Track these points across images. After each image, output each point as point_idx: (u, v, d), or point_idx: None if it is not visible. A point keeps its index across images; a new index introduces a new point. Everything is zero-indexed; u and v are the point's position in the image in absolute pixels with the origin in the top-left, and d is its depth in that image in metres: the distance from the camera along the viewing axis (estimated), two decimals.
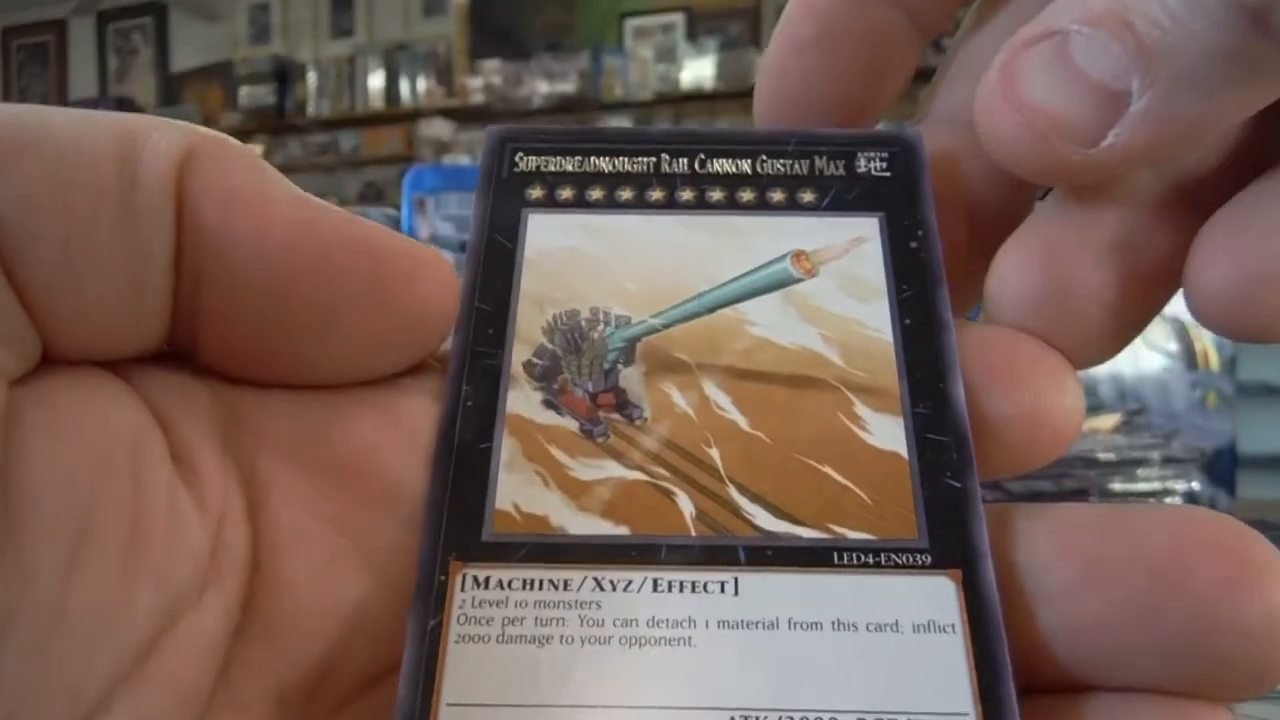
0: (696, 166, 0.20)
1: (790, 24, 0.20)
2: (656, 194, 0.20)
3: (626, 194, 0.20)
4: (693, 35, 3.39)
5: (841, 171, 0.20)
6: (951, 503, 0.16)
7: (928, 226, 0.19)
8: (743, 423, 0.17)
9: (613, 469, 0.17)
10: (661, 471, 0.17)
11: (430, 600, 0.15)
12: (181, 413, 0.15)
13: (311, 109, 3.72)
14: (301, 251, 0.15)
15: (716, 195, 0.19)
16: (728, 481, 0.17)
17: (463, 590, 0.16)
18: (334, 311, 0.15)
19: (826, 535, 0.16)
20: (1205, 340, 0.59)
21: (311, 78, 3.71)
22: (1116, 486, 0.38)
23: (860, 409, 0.17)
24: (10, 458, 0.13)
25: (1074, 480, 0.38)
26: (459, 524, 0.16)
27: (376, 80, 3.66)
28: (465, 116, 3.53)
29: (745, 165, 0.20)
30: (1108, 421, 0.47)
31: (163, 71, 4.02)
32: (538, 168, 0.20)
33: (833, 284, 0.19)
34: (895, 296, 0.18)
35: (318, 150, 3.70)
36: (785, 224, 0.19)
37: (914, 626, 0.15)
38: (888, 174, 0.19)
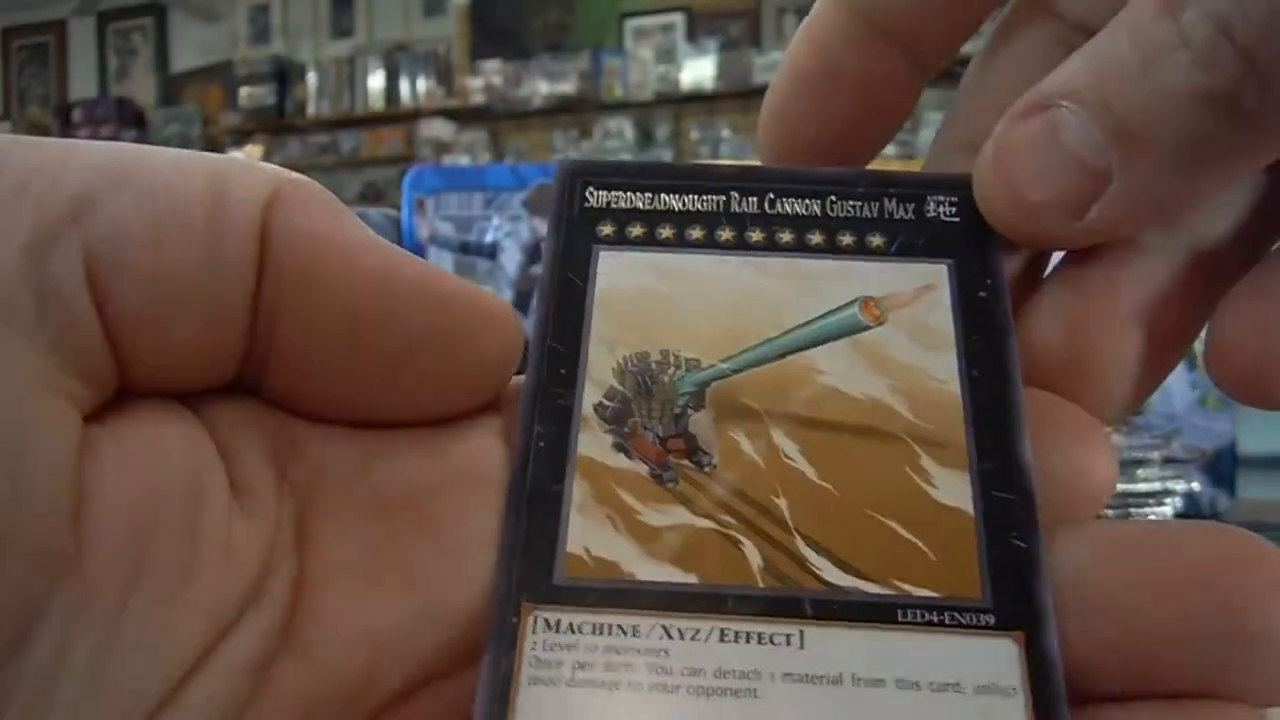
0: (766, 206, 0.20)
1: (790, 61, 0.21)
2: (726, 234, 0.20)
3: (696, 233, 0.20)
4: (693, 36, 3.39)
5: (911, 215, 0.19)
6: (1016, 563, 0.16)
7: (997, 275, 0.19)
8: (810, 473, 0.17)
9: (682, 516, 0.17)
10: (730, 520, 0.17)
11: (503, 641, 0.16)
12: (243, 443, 0.16)
13: (311, 109, 3.72)
14: (379, 297, 0.16)
15: (786, 237, 0.20)
16: (795, 533, 0.17)
17: (534, 633, 0.16)
18: (404, 356, 0.16)
19: (891, 591, 0.16)
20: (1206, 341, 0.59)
21: (311, 78, 3.71)
22: (1117, 487, 0.38)
23: (926, 463, 0.17)
24: (82, 491, 0.14)
25: None
26: (531, 566, 0.16)
27: (376, 81, 3.66)
28: (465, 117, 3.53)
29: (814, 206, 0.20)
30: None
31: (163, 72, 4.02)
32: (608, 204, 0.20)
33: (901, 332, 0.19)
34: (963, 347, 0.18)
35: (318, 150, 3.70)
36: (854, 269, 0.19)
37: (976, 688, 0.15)
38: (957, 219, 0.19)
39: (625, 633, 0.16)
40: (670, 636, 0.16)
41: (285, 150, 3.71)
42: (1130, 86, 0.16)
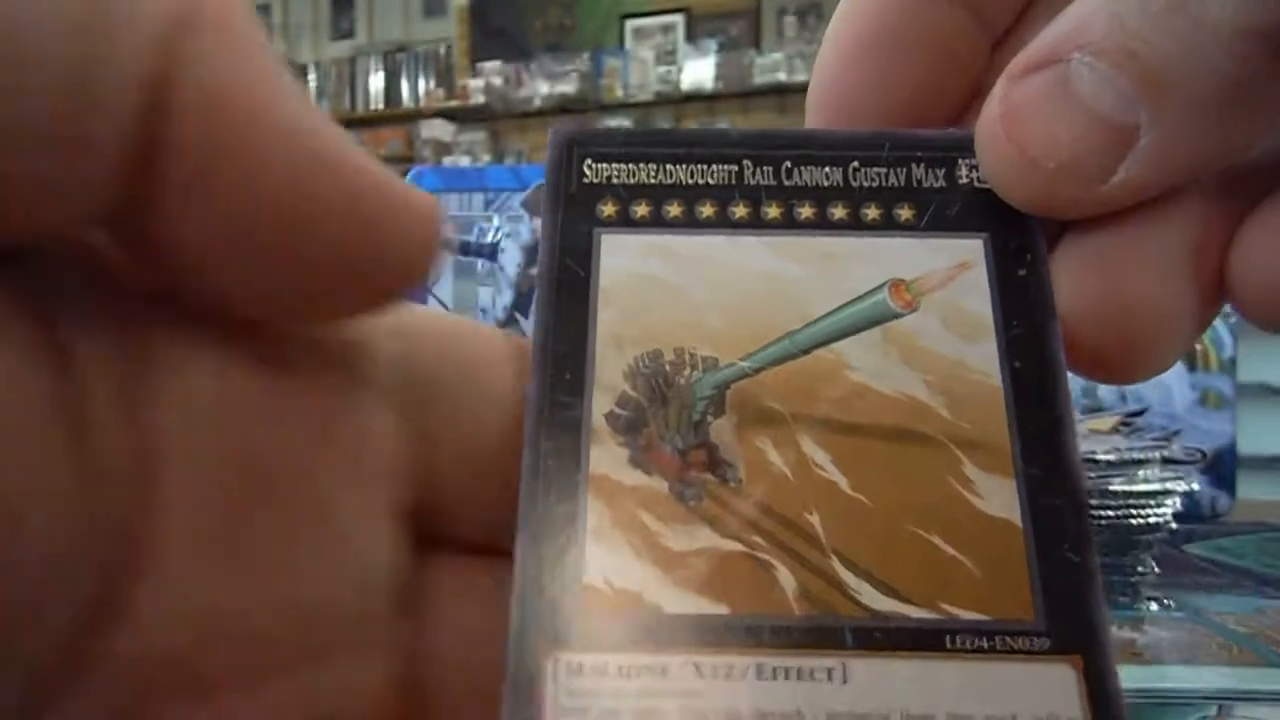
0: (783, 176, 0.18)
1: (843, 27, 0.18)
2: (740, 210, 0.18)
3: (707, 210, 0.18)
4: (693, 36, 3.39)
5: (941, 182, 0.18)
6: (1070, 579, 0.15)
7: (1036, 249, 0.17)
8: (843, 484, 0.16)
9: (707, 537, 0.16)
10: (759, 541, 0.16)
11: (521, 690, 0.15)
12: (93, 362, 0.13)
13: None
14: (284, 168, 0.13)
15: (806, 212, 0.18)
16: (830, 553, 0.15)
17: (555, 680, 0.15)
18: (302, 226, 0.13)
19: (937, 615, 0.15)
20: (1205, 341, 0.59)
21: (311, 79, 3.71)
22: (1116, 487, 0.38)
23: (969, 469, 0.16)
24: None
25: None
26: (548, 602, 0.15)
27: (377, 81, 3.66)
28: (465, 117, 3.53)
29: (836, 175, 0.18)
30: (1108, 422, 0.47)
31: None
32: (609, 178, 0.18)
33: (935, 319, 0.17)
34: (1004, 334, 0.17)
35: None
36: (881, 247, 0.17)
37: (1034, 718, 0.14)
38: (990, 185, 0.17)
39: (654, 674, 0.15)
40: (703, 676, 0.15)
41: None
42: (1158, 29, 0.14)
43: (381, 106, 3.66)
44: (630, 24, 3.47)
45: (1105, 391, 0.59)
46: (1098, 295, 0.16)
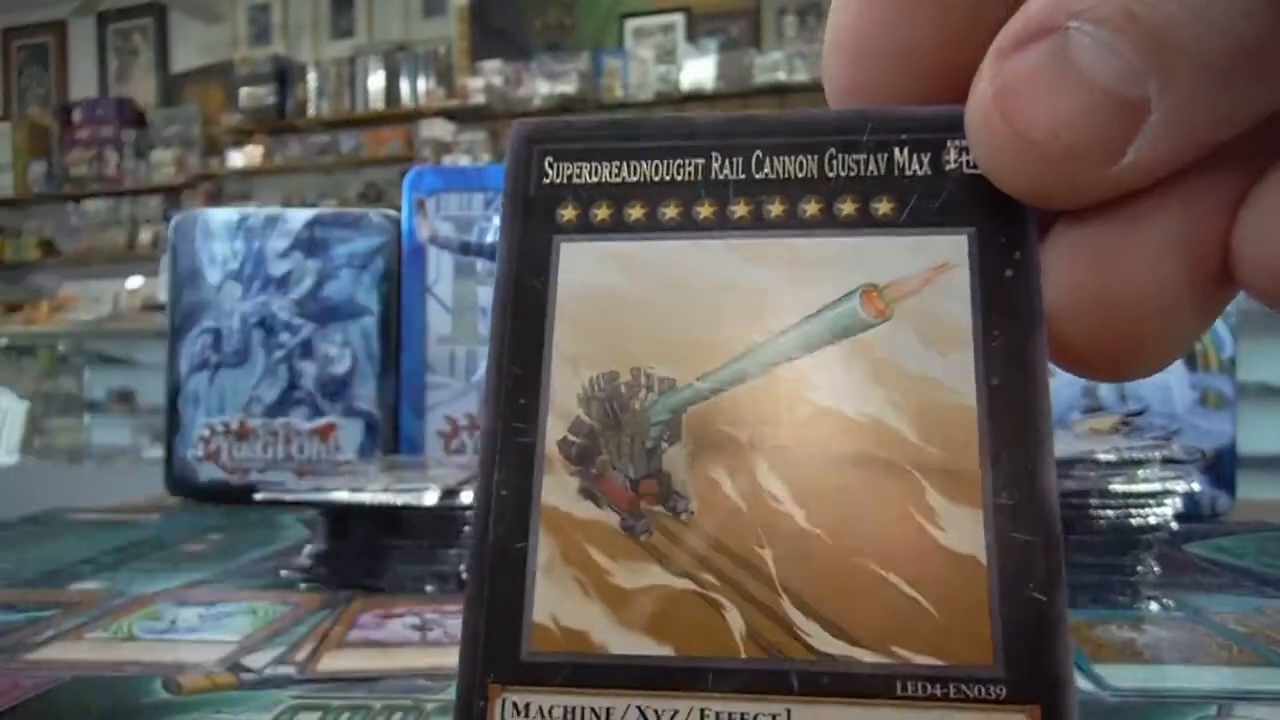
0: (753, 169, 0.17)
1: None
2: (705, 210, 0.17)
3: (671, 211, 0.17)
4: (693, 36, 3.38)
5: (926, 169, 0.16)
6: (1034, 622, 0.14)
7: (1027, 245, 0.16)
8: (799, 517, 0.15)
9: (656, 575, 0.15)
10: (709, 579, 0.15)
11: None
12: None
13: (312, 110, 3.71)
14: None
15: (775, 210, 0.16)
16: (781, 591, 0.15)
17: (502, 718, 0.15)
18: None
19: (889, 659, 0.14)
20: (1205, 340, 0.59)
21: (312, 78, 3.71)
22: (1116, 487, 0.38)
23: (934, 498, 0.15)
24: None
25: (1074, 480, 0.38)
26: (497, 638, 0.15)
27: (377, 81, 3.65)
28: (466, 117, 3.53)
29: (811, 164, 0.16)
30: (1108, 422, 0.47)
31: (163, 72, 4.02)
32: (569, 178, 0.17)
33: (909, 329, 0.16)
34: (982, 345, 0.15)
35: (318, 151, 3.69)
36: (855, 248, 0.16)
37: None
38: (980, 171, 0.16)
39: (599, 717, 0.15)
40: (646, 719, 0.15)
41: (285, 150, 3.70)
42: None
43: (381, 106, 3.66)
44: (630, 24, 3.46)
45: (1105, 391, 0.59)
46: (1089, 285, 0.15)
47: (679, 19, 3.42)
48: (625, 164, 0.17)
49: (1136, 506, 0.37)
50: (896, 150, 0.16)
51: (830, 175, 0.16)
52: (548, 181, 0.17)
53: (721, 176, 0.17)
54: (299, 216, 0.67)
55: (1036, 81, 0.14)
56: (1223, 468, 0.58)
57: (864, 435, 0.15)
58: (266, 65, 3.73)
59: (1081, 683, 0.29)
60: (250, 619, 0.36)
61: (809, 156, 0.17)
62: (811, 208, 0.16)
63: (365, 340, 0.66)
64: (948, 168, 0.16)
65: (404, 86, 3.63)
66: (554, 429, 0.16)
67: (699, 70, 3.28)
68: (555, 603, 0.15)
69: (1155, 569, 0.38)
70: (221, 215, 0.67)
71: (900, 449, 0.15)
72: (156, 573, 0.44)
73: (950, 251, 0.16)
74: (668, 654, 0.15)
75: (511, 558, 0.15)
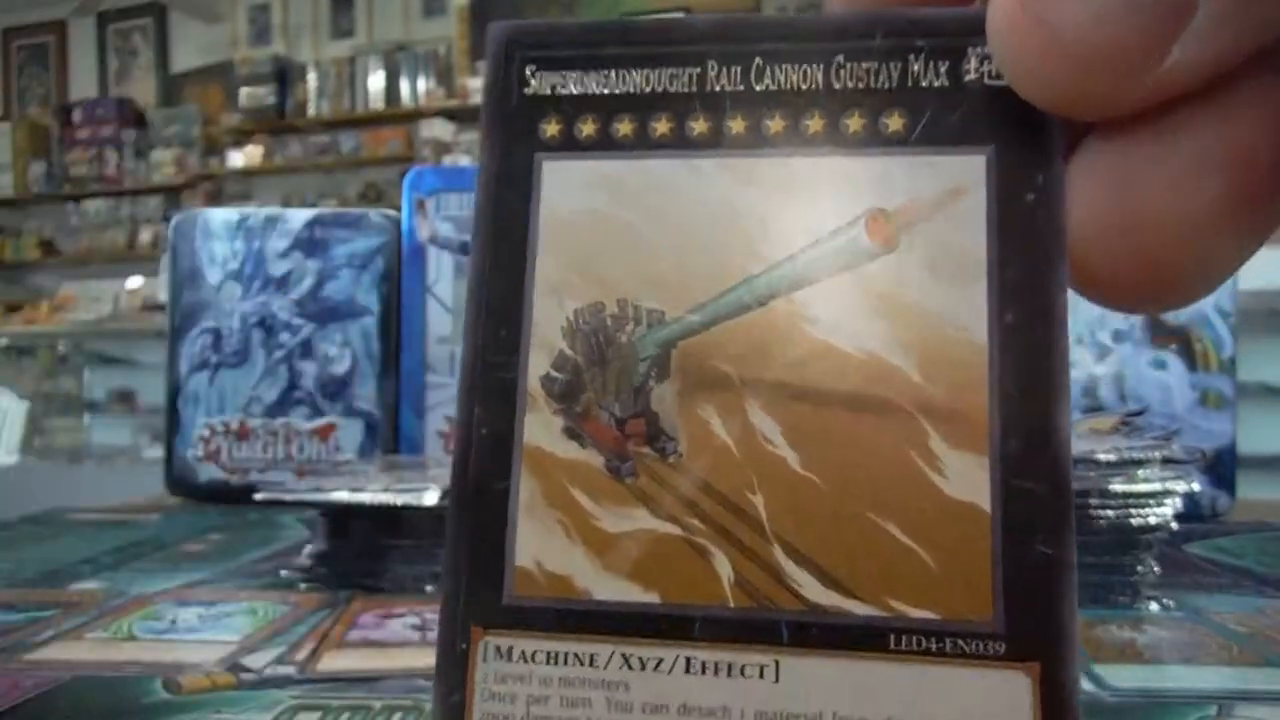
0: (753, 79, 0.15)
1: None
2: (700, 125, 0.15)
3: (662, 126, 0.15)
4: None
5: (943, 80, 0.15)
6: (1038, 575, 0.13)
7: (1051, 168, 0.14)
8: (793, 460, 0.14)
9: (642, 519, 0.14)
10: (697, 524, 0.14)
11: (453, 671, 0.14)
12: None
13: (312, 110, 3.71)
14: None
15: (775, 125, 0.15)
16: (772, 539, 0.14)
17: (485, 661, 0.14)
18: None
19: (883, 612, 0.14)
20: (1205, 340, 0.59)
21: (312, 78, 3.71)
22: (1116, 487, 0.38)
23: (936, 443, 0.14)
24: None
25: (1074, 481, 0.38)
26: (479, 583, 0.15)
27: (377, 81, 3.65)
28: (466, 117, 3.53)
29: (815, 74, 0.15)
30: (1108, 422, 0.47)
31: (163, 72, 4.02)
32: (553, 88, 0.16)
33: (916, 259, 0.14)
34: (997, 277, 0.14)
35: (318, 151, 3.70)
36: (862, 168, 0.15)
37: None
38: (1004, 82, 0.14)
39: (582, 662, 0.14)
40: (630, 667, 0.14)
41: (285, 150, 3.70)
42: None
43: (381, 106, 3.66)
44: None
45: (1105, 391, 0.59)
46: (1121, 207, 0.13)
47: (679, 17, 3.41)
48: (614, 73, 0.16)
49: (1136, 506, 0.37)
50: (911, 58, 0.15)
51: (837, 87, 0.15)
52: (529, 92, 0.16)
53: (718, 88, 0.15)
54: (299, 216, 0.67)
55: None
56: (1223, 468, 0.58)
57: (865, 373, 0.14)
58: (266, 65, 3.73)
59: (1082, 683, 0.29)
60: (250, 619, 0.36)
61: (814, 65, 0.15)
62: (815, 123, 0.15)
63: (365, 340, 0.66)
64: (967, 79, 0.15)
65: (404, 86, 3.63)
66: (536, 364, 0.15)
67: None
68: (538, 546, 0.15)
69: (1155, 569, 0.38)
70: (221, 215, 0.67)
71: (903, 389, 0.14)
72: (156, 573, 0.44)
73: (966, 173, 0.14)
74: (653, 601, 0.14)
75: (492, 498, 0.15)
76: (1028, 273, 0.14)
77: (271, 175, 3.73)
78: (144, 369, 3.40)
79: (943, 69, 0.15)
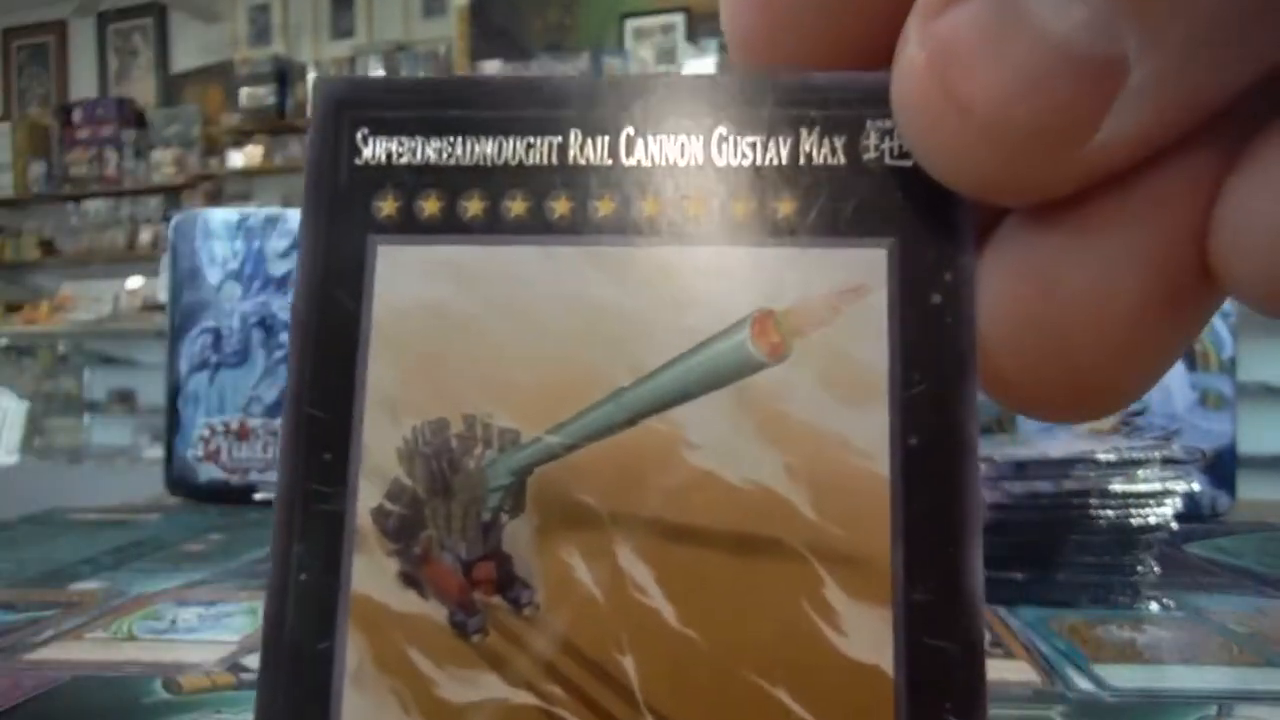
0: (623, 153, 0.13)
1: None
2: (560, 206, 0.13)
3: (518, 206, 0.13)
4: (693, 36, 3.38)
5: (840, 159, 0.13)
6: None
7: (960, 263, 0.12)
8: (669, 614, 0.12)
9: (492, 686, 0.12)
10: (556, 691, 0.12)
11: None
12: None
13: (309, 109, 3.71)
14: None
15: (648, 208, 0.13)
16: (644, 709, 0.12)
17: None
18: None
19: None
20: (1205, 340, 0.59)
21: (311, 78, 3.71)
22: (1116, 487, 0.38)
23: (833, 593, 0.12)
24: None
25: (1074, 480, 0.38)
26: None
27: None
28: None
29: (694, 148, 0.13)
30: (1107, 422, 0.47)
31: (163, 72, 4.02)
32: (389, 157, 0.13)
33: (810, 372, 0.13)
34: (900, 394, 0.12)
35: None
36: (746, 260, 0.13)
37: None
38: (909, 162, 0.12)
39: None
40: None
41: (285, 150, 3.70)
42: None
43: None
44: (630, 24, 3.46)
45: None
46: (1037, 307, 0.12)
47: (679, 19, 3.41)
48: (461, 140, 0.13)
49: (1136, 506, 0.37)
50: (803, 131, 0.13)
51: (719, 164, 0.13)
52: (361, 162, 0.13)
53: (582, 160, 0.13)
54: (299, 217, 0.67)
55: (981, 40, 0.11)
56: (1223, 468, 0.58)
57: (750, 509, 0.12)
58: (266, 65, 3.73)
59: (1082, 683, 0.29)
60: (250, 619, 0.36)
61: (692, 138, 0.13)
62: (693, 207, 0.13)
63: None
64: (865, 157, 0.13)
65: None
66: (367, 494, 0.13)
67: (699, 70, 3.28)
68: None
69: (1155, 569, 0.38)
70: (221, 215, 0.67)
71: (794, 527, 0.12)
72: (156, 573, 0.44)
73: (865, 269, 0.13)
74: None
75: (313, 662, 0.12)
76: (934, 388, 0.12)
77: (271, 175, 3.73)
78: (144, 369, 3.40)
79: (838, 145, 0.13)
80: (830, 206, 0.13)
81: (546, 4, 3.54)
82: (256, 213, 0.68)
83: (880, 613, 0.12)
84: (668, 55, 3.36)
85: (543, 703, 0.12)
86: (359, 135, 0.13)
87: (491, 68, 3.46)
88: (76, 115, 3.95)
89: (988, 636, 0.33)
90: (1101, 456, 0.38)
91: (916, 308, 0.13)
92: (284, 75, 3.73)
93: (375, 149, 0.13)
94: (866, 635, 0.12)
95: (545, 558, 0.13)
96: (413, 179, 0.13)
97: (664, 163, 0.13)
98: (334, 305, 0.13)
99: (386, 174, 0.13)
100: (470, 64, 3.53)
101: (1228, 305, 0.59)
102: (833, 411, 0.13)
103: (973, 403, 0.12)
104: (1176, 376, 0.60)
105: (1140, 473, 0.38)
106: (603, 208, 0.13)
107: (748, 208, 0.13)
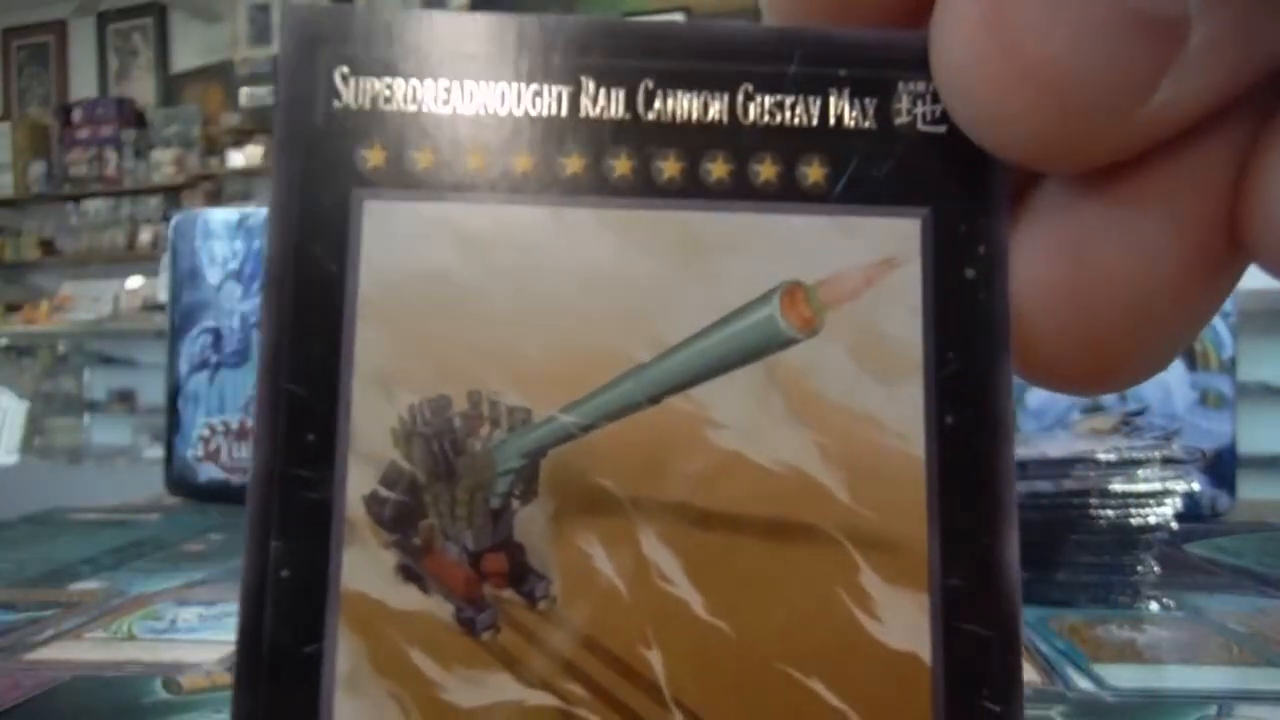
0: (640, 106, 0.12)
1: None
2: (572, 162, 0.12)
3: (523, 160, 0.12)
4: None
5: (870, 121, 0.12)
6: None
7: (994, 235, 0.12)
8: (697, 604, 0.11)
9: (506, 686, 0.11)
10: (576, 690, 0.11)
11: None
12: None
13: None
14: None
15: (669, 168, 0.12)
16: (671, 705, 0.11)
17: None
18: None
19: None
20: (1205, 340, 0.59)
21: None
22: (1116, 487, 0.38)
23: (868, 578, 0.12)
24: None
25: (1074, 480, 0.38)
26: None
27: None
28: None
29: (718, 105, 0.12)
30: (1108, 421, 0.47)
31: (163, 72, 4.02)
32: (375, 101, 0.12)
33: (841, 348, 0.12)
34: (934, 371, 0.12)
35: None
36: (774, 229, 0.12)
37: None
38: (942, 128, 0.12)
39: None
40: None
41: None
42: None
43: None
44: None
45: None
46: (1069, 279, 0.12)
47: (679, 19, 3.42)
48: (458, 84, 0.12)
49: (1136, 506, 0.37)
50: (832, 92, 0.12)
51: (745, 123, 0.12)
52: (340, 105, 0.12)
53: (595, 112, 0.12)
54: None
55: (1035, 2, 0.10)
56: (1223, 468, 0.58)
57: (781, 492, 0.12)
58: (266, 65, 3.73)
59: (1082, 683, 0.29)
60: None
61: (716, 94, 0.12)
62: (718, 168, 0.12)
63: None
64: (897, 121, 0.12)
65: None
66: (358, 480, 0.11)
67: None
68: None
69: (1155, 569, 0.38)
70: (221, 215, 0.67)
71: (828, 511, 0.12)
72: (156, 573, 0.44)
73: (898, 240, 0.12)
74: None
75: (298, 667, 0.11)
76: (969, 365, 0.12)
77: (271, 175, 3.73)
78: (144, 369, 3.40)
79: (869, 107, 0.12)
80: (861, 173, 0.12)
81: (546, 4, 3.54)
82: (256, 213, 0.68)
83: (917, 598, 0.12)
84: None
85: (561, 703, 0.11)
86: (338, 75, 0.12)
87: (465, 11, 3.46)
88: (76, 115, 3.95)
89: None
90: (1101, 456, 0.38)
91: (950, 281, 0.12)
92: None
93: (358, 91, 0.12)
94: (903, 622, 0.12)
95: (562, 546, 0.12)
96: (401, 126, 0.12)
97: (685, 118, 0.12)
98: (313, 266, 0.11)
99: (371, 118, 0.12)
100: None
101: (1228, 305, 0.59)
102: (865, 389, 0.12)
103: (1009, 381, 0.12)
104: (1176, 376, 0.60)
105: (1140, 473, 0.38)
106: (619, 166, 0.12)
107: (775, 171, 0.12)
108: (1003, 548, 0.12)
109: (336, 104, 0.12)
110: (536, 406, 0.12)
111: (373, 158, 0.12)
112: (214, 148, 3.85)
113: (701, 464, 0.12)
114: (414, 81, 0.12)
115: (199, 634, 0.34)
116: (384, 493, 0.12)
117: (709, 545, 0.12)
